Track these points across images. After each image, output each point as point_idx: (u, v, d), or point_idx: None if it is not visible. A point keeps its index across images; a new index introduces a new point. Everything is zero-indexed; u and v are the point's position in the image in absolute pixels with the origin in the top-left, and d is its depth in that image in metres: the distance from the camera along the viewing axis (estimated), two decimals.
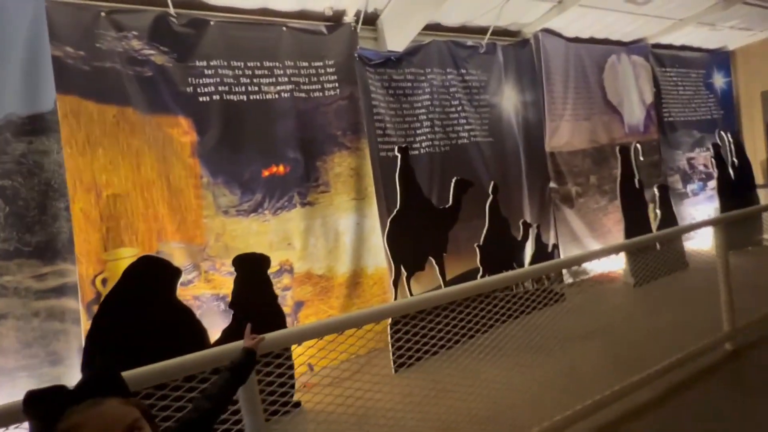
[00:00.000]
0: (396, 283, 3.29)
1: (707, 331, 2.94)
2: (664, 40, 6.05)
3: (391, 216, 3.35)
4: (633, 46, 5.77)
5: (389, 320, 3.13)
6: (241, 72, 3.37)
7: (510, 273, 2.57)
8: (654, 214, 5.03)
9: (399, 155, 3.38)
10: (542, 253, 4.22)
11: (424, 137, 4.13)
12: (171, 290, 2.36)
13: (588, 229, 5.13)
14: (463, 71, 4.43)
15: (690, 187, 6.26)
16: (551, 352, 3.04)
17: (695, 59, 6.52)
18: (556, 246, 4.41)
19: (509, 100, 4.70)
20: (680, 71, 6.33)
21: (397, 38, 3.84)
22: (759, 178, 6.93)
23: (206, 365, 1.50)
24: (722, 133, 5.98)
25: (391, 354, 3.16)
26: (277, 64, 3.49)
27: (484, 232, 3.85)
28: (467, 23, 4.48)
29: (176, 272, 2.40)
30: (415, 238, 3.34)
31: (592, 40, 5.49)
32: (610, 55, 5.57)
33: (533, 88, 4.85)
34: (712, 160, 5.81)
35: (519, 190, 4.65)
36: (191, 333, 2.35)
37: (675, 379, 2.63)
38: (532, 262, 4.14)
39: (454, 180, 3.72)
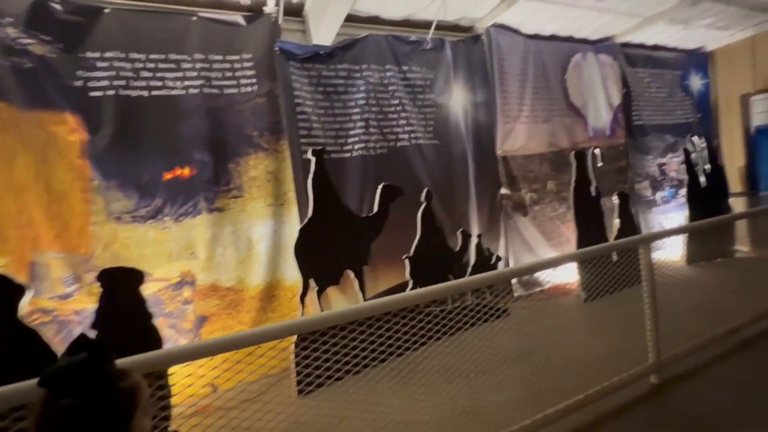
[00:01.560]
0: (303, 298, 3.02)
1: (640, 359, 2.67)
2: (637, 38, 5.73)
3: (302, 225, 3.07)
4: (600, 45, 5.45)
5: (294, 338, 2.86)
6: (141, 65, 3.08)
7: (433, 287, 2.29)
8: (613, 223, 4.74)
9: (313, 158, 3.10)
10: (484, 264, 3.94)
11: (357, 138, 3.84)
12: (11, 311, 2.09)
13: (544, 238, 4.84)
14: (405, 68, 4.13)
15: (660, 195, 5.96)
16: (471, 378, 2.78)
17: (670, 59, 6.20)
18: (500, 257, 4.12)
19: (458, 100, 4.40)
20: (653, 72, 6.01)
21: (323, 31, 3.54)
22: (737, 186, 6.63)
23: None
24: (695, 137, 5.67)
25: (294, 375, 2.89)
26: (185, 57, 3.20)
27: (415, 242, 3.57)
28: (410, 17, 4.18)
29: (18, 290, 2.13)
30: (328, 250, 3.06)
31: (554, 38, 5.18)
32: (575, 54, 5.26)
33: (485, 88, 4.55)
34: (683, 166, 5.51)
35: (466, 196, 4.36)
36: (35, 359, 2.08)
37: (589, 416, 2.36)
38: (472, 275, 3.85)
39: (380, 186, 3.43)
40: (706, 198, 5.47)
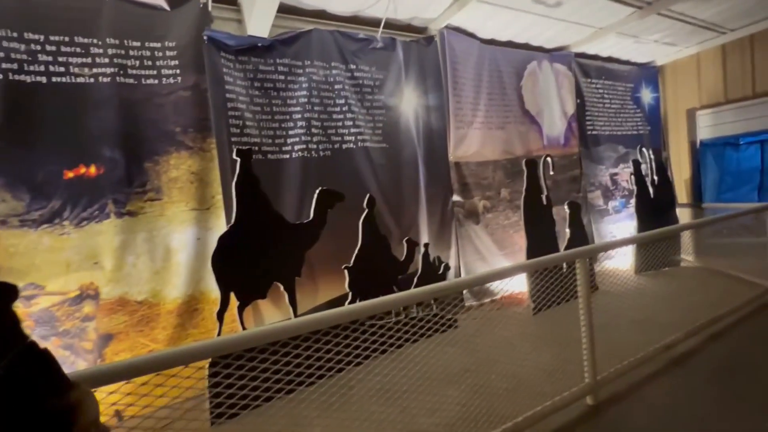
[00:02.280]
0: (221, 314, 2.71)
1: (578, 378, 2.56)
2: (591, 49, 5.81)
3: (223, 233, 2.77)
4: (556, 54, 5.47)
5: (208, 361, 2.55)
6: (39, 47, 2.69)
7: (367, 303, 2.07)
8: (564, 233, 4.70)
9: (238, 160, 2.81)
10: (431, 274, 3.77)
11: (298, 139, 3.58)
12: None
13: (497, 247, 4.74)
14: (353, 67, 3.91)
15: (612, 204, 6.05)
16: (406, 400, 2.57)
17: (623, 72, 6.34)
18: (449, 267, 3.96)
19: (409, 103, 4.23)
20: (606, 83, 6.11)
21: (256, 22, 3.26)
22: (683, 197, 6.87)
23: None
24: (643, 149, 5.80)
25: (208, 403, 2.57)
26: (95, 40, 2.84)
27: (356, 251, 3.34)
28: (359, 13, 3.97)
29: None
30: (253, 260, 2.77)
31: (511, 44, 5.13)
32: (531, 62, 5.23)
33: (438, 91, 4.40)
34: (632, 177, 5.60)
35: (416, 203, 4.19)
36: None
37: None
38: (417, 286, 3.66)
39: (317, 191, 3.18)
40: (654, 209, 5.58)
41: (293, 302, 2.98)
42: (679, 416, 2.24)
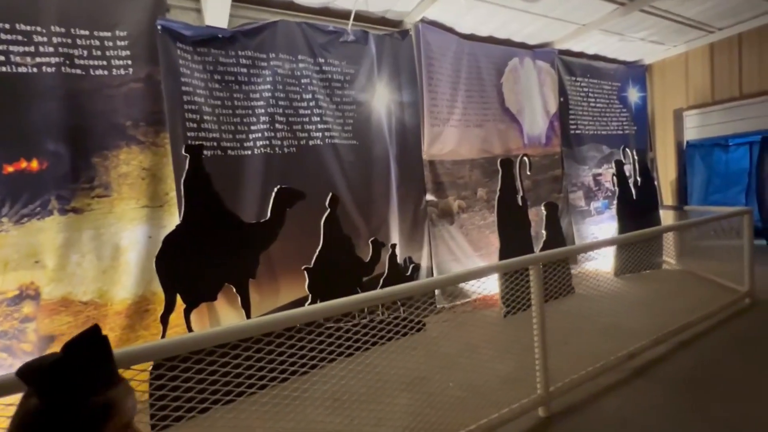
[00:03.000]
0: (166, 318, 2.61)
1: (532, 388, 2.47)
2: (576, 47, 5.68)
3: (169, 232, 2.65)
4: (539, 51, 5.34)
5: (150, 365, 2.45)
6: None
7: (319, 306, 1.97)
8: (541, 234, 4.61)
9: (188, 156, 2.69)
10: (398, 276, 3.67)
11: (261, 135, 3.46)
12: None
13: (472, 248, 4.65)
14: (321, 60, 3.78)
15: (594, 205, 5.95)
16: (356, 409, 2.48)
17: (609, 71, 6.21)
18: (417, 268, 3.87)
19: (381, 99, 4.11)
20: (592, 82, 5.99)
21: (212, 12, 3.13)
22: (669, 199, 6.78)
23: None
24: (627, 149, 5.69)
25: (149, 409, 2.48)
26: (38, 28, 2.70)
27: (317, 252, 3.23)
28: (329, 4, 3.83)
29: None
30: (201, 261, 2.66)
31: (491, 40, 5.00)
32: (512, 58, 5.11)
33: (413, 87, 4.28)
34: (614, 177, 5.50)
35: (386, 202, 4.08)
36: None
37: None
38: (383, 287, 3.56)
39: (276, 189, 3.06)
40: (636, 211, 5.49)
41: (246, 305, 2.87)
42: (632, 431, 2.15)
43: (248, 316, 2.88)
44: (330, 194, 3.32)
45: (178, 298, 2.66)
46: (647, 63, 6.65)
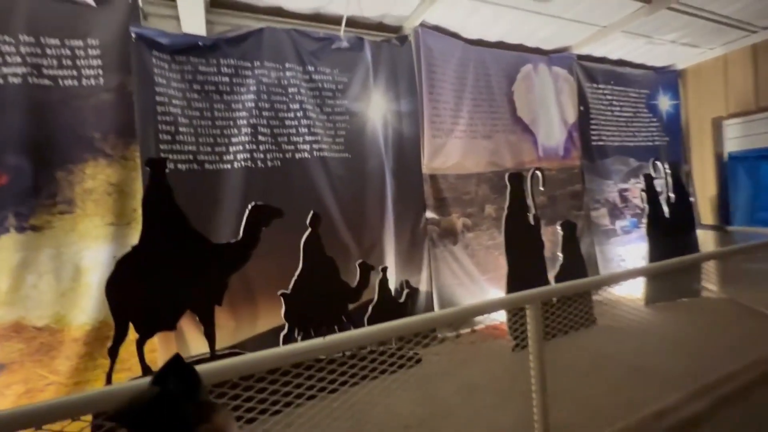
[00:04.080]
0: (114, 350, 2.34)
1: None
2: (597, 51, 5.23)
3: (123, 255, 2.41)
4: (554, 56, 4.93)
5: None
6: None
7: (294, 347, 1.67)
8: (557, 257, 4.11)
9: (149, 170, 2.46)
10: (389, 302, 3.29)
11: (241, 147, 3.22)
12: None
13: (478, 270, 4.21)
14: (311, 68, 3.54)
15: (620, 224, 5.37)
16: None
17: (637, 77, 5.69)
18: (412, 294, 3.47)
19: (377, 109, 3.81)
20: (616, 89, 5.49)
21: (188, 19, 2.95)
22: (708, 217, 6.08)
23: None
24: (657, 162, 5.12)
25: None
26: (5, 37, 2.59)
27: (296, 276, 2.92)
28: (320, 10, 3.61)
29: None
30: (160, 285, 2.40)
31: (502, 45, 4.65)
32: (525, 64, 4.72)
33: (413, 96, 3.97)
34: (642, 193, 4.93)
35: (380, 220, 3.74)
36: None
37: None
38: (372, 317, 3.20)
39: (250, 206, 2.79)
40: (669, 231, 4.88)
41: (210, 334, 2.58)
42: None
43: (212, 348, 2.58)
44: (311, 212, 3.02)
45: (132, 327, 2.39)
46: (680, 68, 6.07)
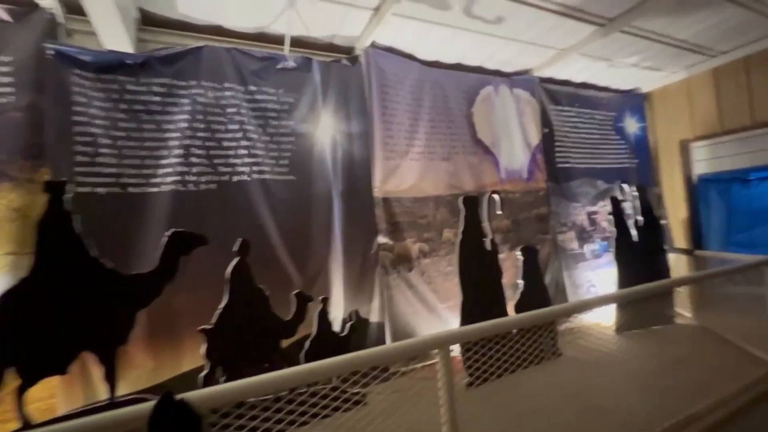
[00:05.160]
0: None
1: None
2: (560, 74, 5.21)
3: (7, 289, 2.16)
4: (516, 78, 4.88)
5: None
6: None
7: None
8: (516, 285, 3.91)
9: (47, 194, 2.24)
10: (329, 337, 3.03)
11: (171, 170, 3.03)
12: None
13: (436, 298, 3.98)
14: (254, 88, 3.41)
15: (589, 248, 5.21)
16: None
17: (602, 99, 5.68)
18: (356, 326, 3.22)
19: (326, 130, 3.67)
20: (582, 111, 5.45)
21: (111, 36, 2.81)
22: (681, 240, 5.96)
23: None
24: (624, 185, 5.02)
25: None
26: None
27: (220, 310, 2.67)
28: (265, 29, 3.51)
29: None
30: (48, 323, 2.14)
31: (460, 67, 4.59)
32: (485, 86, 4.65)
33: (364, 118, 3.84)
34: (610, 217, 4.80)
35: (327, 246, 3.52)
36: None
37: None
38: (310, 352, 2.93)
39: (169, 233, 2.57)
40: (639, 255, 4.73)
41: (111, 377, 2.30)
42: None
43: (112, 393, 2.29)
44: (240, 239, 2.79)
45: (21, 372, 2.11)
46: (646, 91, 6.09)
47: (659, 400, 2.93)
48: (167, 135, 3.06)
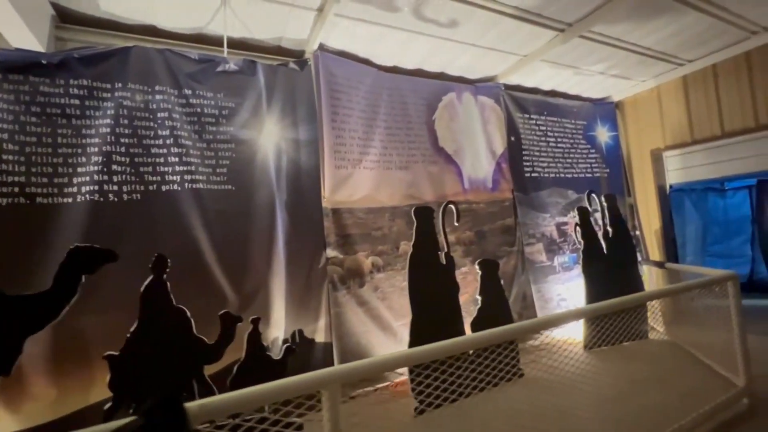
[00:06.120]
0: None
1: None
2: (527, 81, 5.09)
3: None
4: (480, 86, 4.74)
5: None
6: None
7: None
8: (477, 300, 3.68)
9: None
10: (261, 361, 2.77)
11: (89, 178, 2.77)
12: None
13: (392, 315, 3.73)
14: (188, 92, 3.18)
15: (559, 260, 5.03)
16: None
17: (572, 108, 5.56)
18: (294, 348, 2.95)
19: (270, 137, 3.45)
20: (550, 120, 5.32)
21: (19, 34, 2.58)
22: (655, 252, 5.81)
23: None
24: (593, 195, 4.87)
25: None
26: None
27: (129, 334, 2.40)
28: (204, 30, 3.31)
29: None
30: None
31: (421, 73, 4.43)
32: (447, 93, 4.50)
33: (314, 124, 3.64)
34: (577, 228, 4.63)
35: (267, 261, 3.27)
36: None
37: None
38: (236, 379, 2.66)
39: (70, 249, 2.31)
40: (608, 268, 4.55)
41: None
42: None
43: None
44: (156, 255, 2.54)
45: None
46: (617, 100, 6.00)
47: (622, 426, 2.72)
48: (86, 141, 2.81)
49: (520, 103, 5.06)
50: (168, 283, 2.55)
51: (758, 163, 4.90)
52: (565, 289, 4.94)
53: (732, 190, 7.38)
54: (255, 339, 2.79)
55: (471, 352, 3.20)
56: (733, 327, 2.93)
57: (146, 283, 2.48)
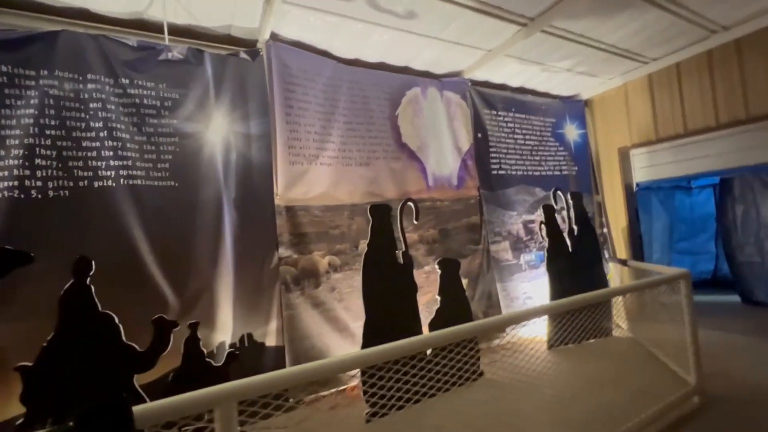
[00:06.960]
0: None
1: None
2: (495, 78, 5.02)
3: None
4: (446, 81, 4.64)
5: None
6: None
7: None
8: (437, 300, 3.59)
9: None
10: (199, 369, 2.61)
11: (6, 173, 2.54)
12: None
13: (349, 317, 3.61)
14: (125, 81, 2.97)
15: (526, 258, 4.99)
16: None
17: (540, 105, 5.53)
18: (237, 353, 2.80)
19: (218, 130, 3.27)
20: (518, 117, 5.27)
21: None
22: (621, 250, 5.85)
23: None
24: (559, 192, 4.85)
25: None
26: None
27: (46, 342, 2.20)
28: (143, 15, 3.10)
29: None
30: None
31: (384, 66, 4.30)
32: (411, 87, 4.38)
33: (267, 118, 3.47)
34: (542, 226, 4.60)
35: (213, 262, 3.09)
36: None
37: None
38: (174, 385, 2.50)
39: None
40: (573, 266, 4.53)
41: None
42: None
43: None
44: (77, 257, 2.35)
45: None
46: (586, 98, 6.01)
47: (574, 426, 2.67)
48: (4, 132, 2.58)
49: (488, 100, 4.99)
50: (92, 287, 2.36)
51: (720, 161, 4.96)
52: (531, 287, 4.91)
53: (698, 188, 7.52)
54: (193, 344, 2.62)
55: (428, 352, 3.11)
56: (685, 325, 2.92)
57: (66, 287, 2.29)
